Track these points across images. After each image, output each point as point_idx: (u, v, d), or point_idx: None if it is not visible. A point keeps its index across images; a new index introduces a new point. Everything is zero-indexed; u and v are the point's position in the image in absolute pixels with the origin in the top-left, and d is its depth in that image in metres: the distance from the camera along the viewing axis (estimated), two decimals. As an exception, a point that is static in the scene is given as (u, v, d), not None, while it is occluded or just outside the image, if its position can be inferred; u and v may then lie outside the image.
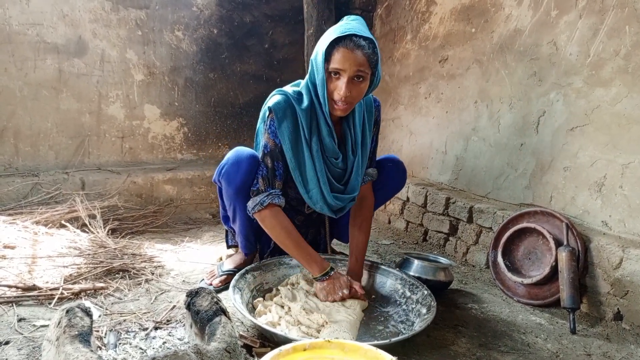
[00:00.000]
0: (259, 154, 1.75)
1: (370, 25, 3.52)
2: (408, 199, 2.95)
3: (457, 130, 2.78)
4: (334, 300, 1.67)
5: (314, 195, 1.75)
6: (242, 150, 1.76)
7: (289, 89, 1.74)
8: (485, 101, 2.58)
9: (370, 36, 1.56)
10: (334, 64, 1.54)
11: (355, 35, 1.52)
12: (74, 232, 2.29)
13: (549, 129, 2.23)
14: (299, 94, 1.71)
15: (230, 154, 1.77)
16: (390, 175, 1.98)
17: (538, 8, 2.27)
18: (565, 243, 1.92)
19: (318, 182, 1.73)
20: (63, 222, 2.34)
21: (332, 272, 1.71)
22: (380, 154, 2.00)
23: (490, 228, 2.36)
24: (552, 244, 1.95)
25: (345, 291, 1.68)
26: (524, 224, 2.09)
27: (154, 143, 3.17)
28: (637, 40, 1.87)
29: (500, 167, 2.49)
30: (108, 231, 2.39)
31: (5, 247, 2.00)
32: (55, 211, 2.38)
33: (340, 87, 1.55)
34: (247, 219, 1.84)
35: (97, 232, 2.31)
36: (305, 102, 1.67)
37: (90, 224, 2.37)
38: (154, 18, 3.01)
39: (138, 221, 2.66)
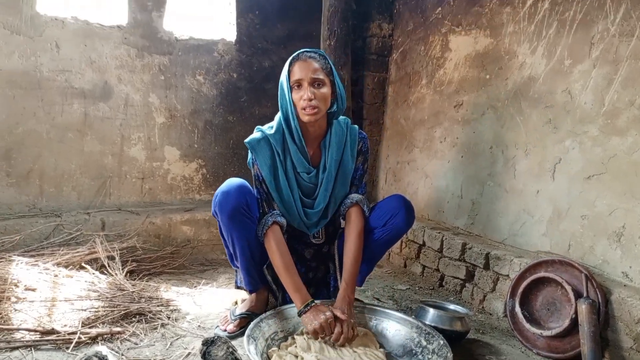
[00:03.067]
0: (254, 184, 1.95)
1: (385, 70, 3.60)
2: (424, 242, 2.93)
3: (472, 174, 2.79)
4: (321, 327, 1.69)
5: (293, 211, 1.94)
6: (232, 180, 1.90)
7: (265, 126, 1.96)
8: (500, 147, 2.60)
9: (320, 51, 1.88)
10: (294, 76, 1.80)
11: (306, 51, 1.85)
12: (93, 273, 2.32)
13: (565, 176, 2.23)
14: (272, 125, 1.93)
15: (222, 186, 1.89)
16: (396, 212, 1.96)
17: (552, 57, 2.31)
18: (585, 295, 1.88)
19: (293, 199, 1.93)
20: (83, 264, 2.38)
21: (313, 304, 1.76)
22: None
23: (508, 275, 2.33)
24: (571, 295, 1.92)
25: (328, 313, 1.72)
26: (542, 274, 2.07)
27: (172, 184, 3.23)
28: (651, 91, 1.89)
29: (516, 213, 2.48)
30: (126, 273, 2.42)
31: (26, 289, 2.04)
32: (75, 252, 2.43)
33: (303, 93, 1.78)
34: (247, 249, 1.90)
35: (116, 274, 2.34)
36: (275, 128, 1.90)
37: (109, 266, 2.41)
38: (176, 63, 3.13)
39: (155, 262, 2.69)
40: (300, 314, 1.76)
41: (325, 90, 1.81)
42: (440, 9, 3.06)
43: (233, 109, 3.36)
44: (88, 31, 2.82)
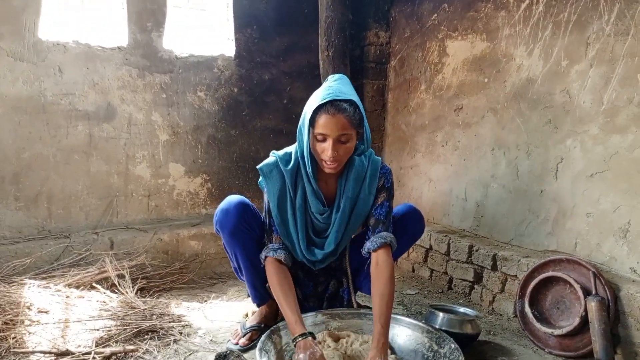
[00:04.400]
0: (264, 211, 1.90)
1: (384, 77, 3.63)
2: (431, 246, 2.94)
3: (475, 177, 2.80)
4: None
5: (296, 248, 1.89)
6: (231, 197, 1.90)
7: (282, 151, 1.87)
8: (502, 148, 2.61)
9: (351, 97, 1.66)
10: (319, 129, 1.65)
11: (336, 100, 1.63)
12: (104, 293, 2.34)
13: (568, 175, 2.24)
14: (289, 155, 1.84)
15: (221, 204, 1.90)
16: (408, 223, 2.00)
17: (548, 58, 2.33)
18: (593, 292, 1.89)
19: (297, 237, 1.86)
20: (93, 283, 2.40)
21: (301, 339, 1.63)
22: (399, 201, 2.04)
23: (516, 276, 2.34)
24: (580, 293, 1.93)
25: (315, 350, 1.60)
26: (550, 273, 2.08)
27: (178, 200, 3.26)
28: (649, 88, 1.90)
29: (521, 213, 2.49)
30: (137, 291, 2.44)
31: (39, 311, 2.06)
32: (86, 273, 2.45)
33: (327, 149, 1.66)
34: (250, 264, 1.92)
35: (127, 293, 2.36)
36: (291, 163, 1.81)
37: (119, 284, 2.43)
38: (177, 81, 3.17)
39: (165, 278, 2.71)
40: (293, 342, 1.67)
41: (351, 144, 1.70)
42: (436, 15, 3.09)
43: (235, 123, 3.39)
44: (90, 54, 2.86)
